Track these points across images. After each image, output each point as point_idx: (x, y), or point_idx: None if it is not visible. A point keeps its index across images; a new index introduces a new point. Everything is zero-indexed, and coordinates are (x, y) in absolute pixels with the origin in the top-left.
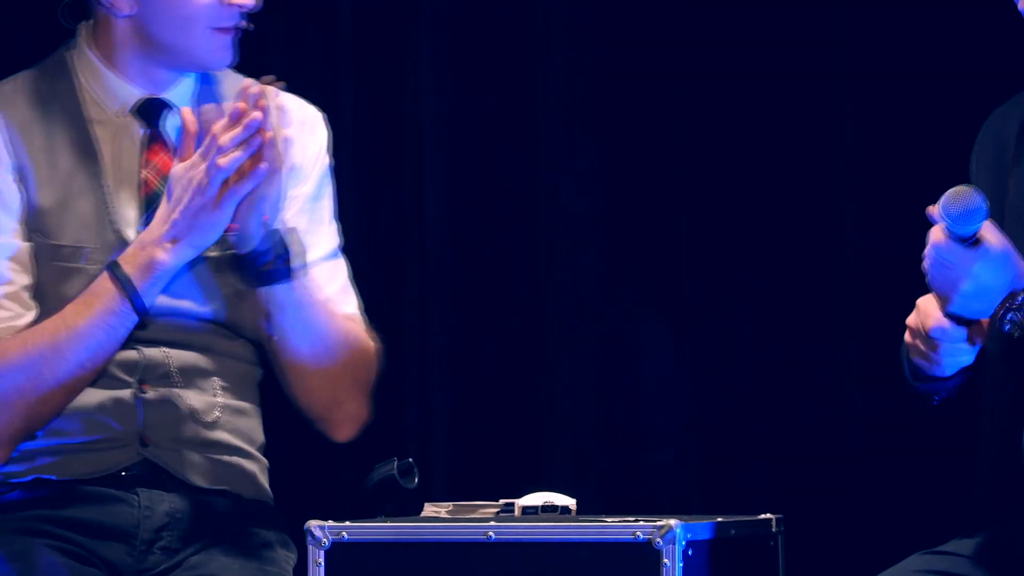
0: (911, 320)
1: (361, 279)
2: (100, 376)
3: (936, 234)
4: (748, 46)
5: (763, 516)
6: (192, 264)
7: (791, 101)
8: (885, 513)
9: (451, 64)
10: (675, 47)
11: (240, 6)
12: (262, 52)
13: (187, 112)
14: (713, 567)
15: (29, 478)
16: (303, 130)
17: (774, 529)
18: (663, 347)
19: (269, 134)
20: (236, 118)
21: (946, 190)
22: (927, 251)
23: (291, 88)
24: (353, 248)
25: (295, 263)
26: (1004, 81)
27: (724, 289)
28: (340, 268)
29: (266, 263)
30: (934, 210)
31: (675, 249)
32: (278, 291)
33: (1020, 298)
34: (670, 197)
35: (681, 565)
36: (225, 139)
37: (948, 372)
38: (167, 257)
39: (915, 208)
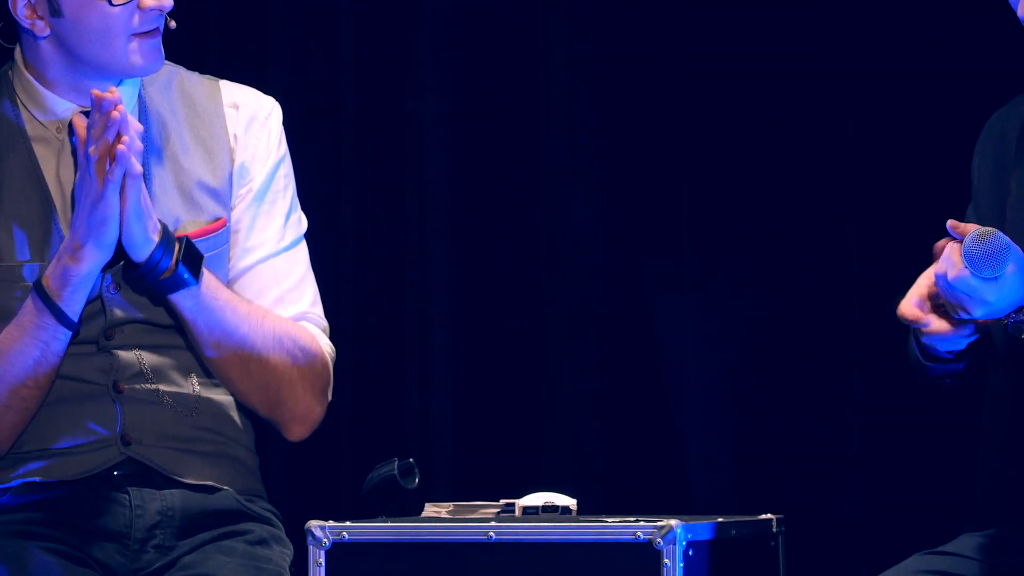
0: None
1: (361, 280)
2: (47, 391)
3: (955, 265)
4: (751, 45)
5: (763, 516)
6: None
7: (792, 103)
8: (886, 513)
9: (452, 64)
10: (677, 46)
11: (159, 8)
12: (264, 55)
13: (78, 120)
14: (714, 567)
15: (17, 483)
16: (252, 126)
17: (775, 529)
18: (664, 347)
19: (116, 112)
20: (94, 106)
21: (946, 187)
22: (941, 271)
23: (293, 90)
24: (354, 248)
25: (195, 269)
26: (1004, 83)
27: (726, 289)
28: (293, 263)
29: (165, 270)
30: (954, 225)
31: (676, 250)
32: (185, 297)
33: None
34: (672, 198)
35: (682, 565)
36: (95, 132)
37: (953, 347)
38: (77, 264)
39: (916, 206)
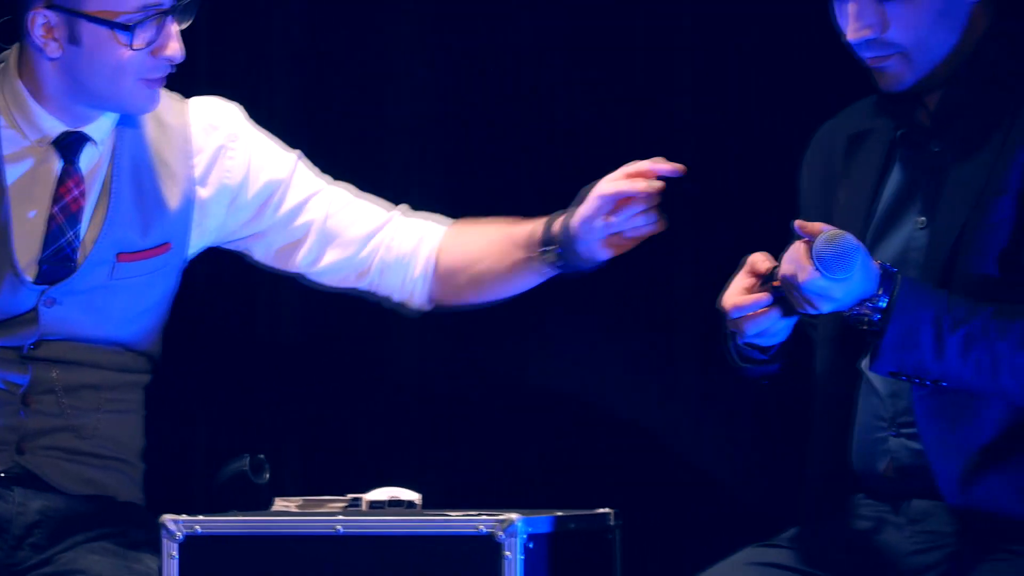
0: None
1: (215, 278)
2: None
3: (804, 268)
4: (598, 74)
5: (601, 510)
6: (86, 290)
7: (631, 122)
8: (721, 507)
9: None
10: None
11: (169, 59)
12: None
13: None
14: (553, 559)
15: None
16: (221, 154)
17: (612, 523)
18: (506, 347)
19: None
20: None
21: (775, 200)
22: (789, 273)
23: None
24: (208, 254)
25: None
26: (830, 98)
27: (563, 283)
28: (342, 195)
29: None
30: (803, 225)
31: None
32: None
33: (869, 304)
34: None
35: (522, 558)
36: None
37: (774, 340)
38: None
39: (745, 219)
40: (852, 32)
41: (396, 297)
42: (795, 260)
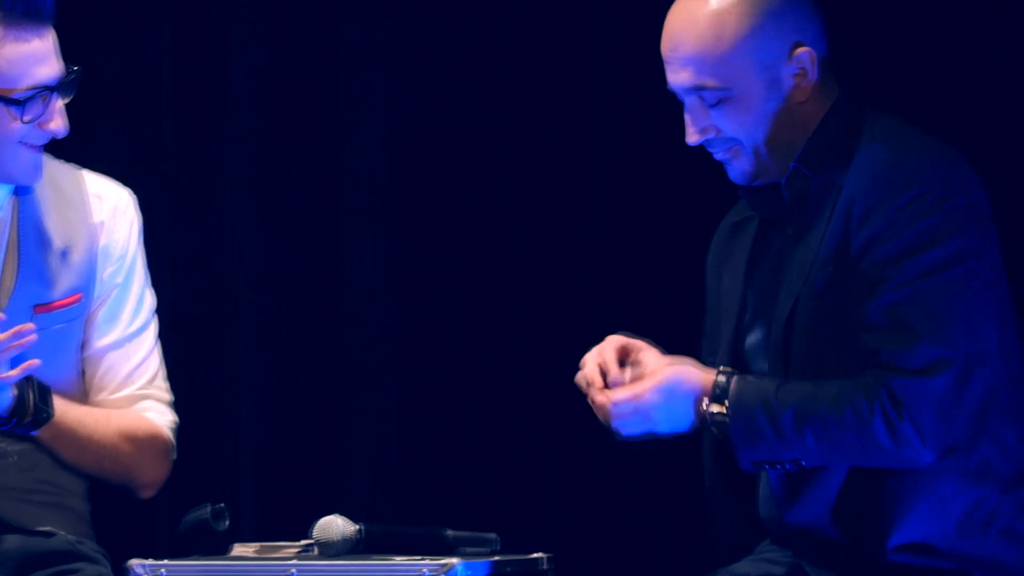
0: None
1: (178, 337)
2: None
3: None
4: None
5: (535, 555)
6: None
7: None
8: (648, 550)
9: (259, 139)
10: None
11: (53, 133)
12: (92, 135)
13: None
14: None
15: None
16: (115, 215)
17: (544, 567)
18: (451, 398)
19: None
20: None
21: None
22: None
23: (117, 159)
24: (169, 310)
25: (48, 403)
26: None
27: (508, 336)
28: (142, 343)
29: (23, 423)
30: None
31: (466, 298)
32: (44, 430)
33: (707, 420)
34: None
35: None
36: None
37: None
38: None
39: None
40: (689, 136)
41: None
42: (600, 411)
